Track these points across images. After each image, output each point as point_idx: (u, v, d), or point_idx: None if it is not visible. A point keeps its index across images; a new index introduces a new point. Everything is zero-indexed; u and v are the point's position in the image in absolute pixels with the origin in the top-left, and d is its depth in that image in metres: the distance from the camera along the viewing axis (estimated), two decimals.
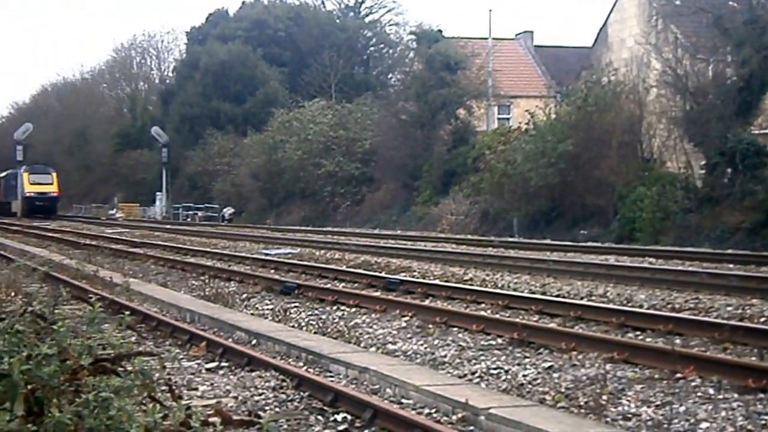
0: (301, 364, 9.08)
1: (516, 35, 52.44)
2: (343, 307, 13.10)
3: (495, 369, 8.76)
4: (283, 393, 7.86)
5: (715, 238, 23.70)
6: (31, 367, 4.12)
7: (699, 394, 7.51)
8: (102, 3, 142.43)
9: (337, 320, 12.07)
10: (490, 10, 60.40)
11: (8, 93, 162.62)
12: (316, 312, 12.87)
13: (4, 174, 60.87)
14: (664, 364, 8.25)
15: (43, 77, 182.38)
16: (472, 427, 6.70)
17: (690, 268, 16.86)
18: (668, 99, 28.98)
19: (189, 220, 52.79)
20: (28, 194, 55.45)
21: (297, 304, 13.67)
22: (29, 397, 4.10)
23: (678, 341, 9.65)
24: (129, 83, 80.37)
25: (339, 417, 7.09)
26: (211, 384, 8.29)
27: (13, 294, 13.09)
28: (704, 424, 6.71)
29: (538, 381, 8.19)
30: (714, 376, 7.81)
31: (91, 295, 12.63)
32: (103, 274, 17.08)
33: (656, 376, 8.11)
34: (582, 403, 7.32)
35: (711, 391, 7.56)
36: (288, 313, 12.74)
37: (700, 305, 12.29)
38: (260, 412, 7.12)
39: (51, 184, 56.68)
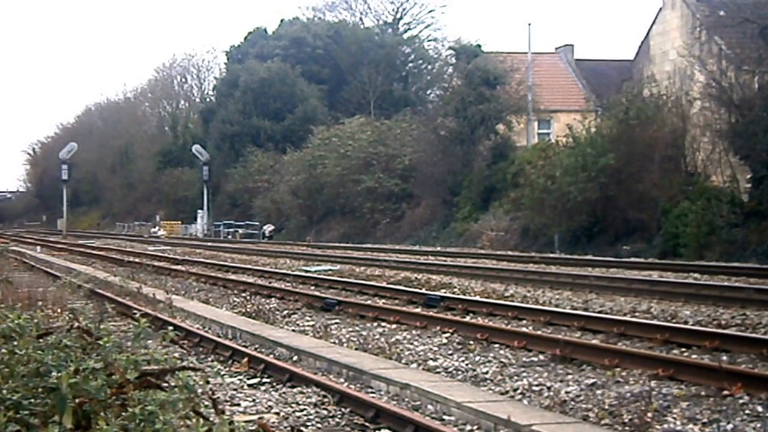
0: (342, 380, 9.09)
1: (556, 49, 52.21)
2: (383, 324, 13.09)
3: (537, 385, 8.70)
4: (324, 409, 7.87)
5: (762, 253, 23.29)
6: (78, 381, 4.17)
7: (747, 411, 7.39)
8: (143, 24, 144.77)
9: (377, 336, 12.06)
10: (529, 24, 60.30)
11: (54, 113, 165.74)
12: (357, 328, 12.88)
13: None
14: (710, 381, 8.13)
15: (87, 97, 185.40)
16: None
17: (736, 284, 16.60)
18: (712, 112, 28.58)
19: (230, 237, 53.14)
20: None
21: (337, 321, 13.70)
22: (77, 410, 4.15)
23: (725, 358, 9.50)
24: (170, 102, 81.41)
25: None
26: (253, 400, 8.33)
27: (59, 310, 13.25)
28: None
29: (581, 398, 8.11)
30: (762, 393, 7.69)
31: (135, 311, 12.80)
32: (146, 290, 17.26)
33: (702, 393, 7.99)
34: (626, 421, 7.23)
35: (759, 408, 7.44)
36: (329, 330, 12.77)
37: (747, 321, 12.10)
38: (302, 428, 7.14)
39: None
